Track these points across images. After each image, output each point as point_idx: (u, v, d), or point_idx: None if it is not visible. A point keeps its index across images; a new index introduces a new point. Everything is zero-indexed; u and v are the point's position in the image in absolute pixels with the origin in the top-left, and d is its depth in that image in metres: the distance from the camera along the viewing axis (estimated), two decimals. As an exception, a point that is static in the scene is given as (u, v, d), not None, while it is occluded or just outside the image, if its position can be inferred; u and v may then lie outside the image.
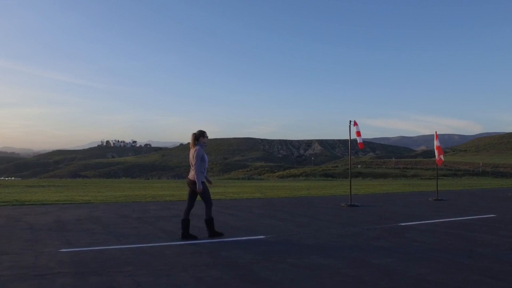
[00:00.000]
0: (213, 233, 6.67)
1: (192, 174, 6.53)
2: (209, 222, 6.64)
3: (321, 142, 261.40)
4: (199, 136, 6.65)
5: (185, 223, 6.55)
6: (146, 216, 9.48)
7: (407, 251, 5.61)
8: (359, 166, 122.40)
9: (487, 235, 6.87)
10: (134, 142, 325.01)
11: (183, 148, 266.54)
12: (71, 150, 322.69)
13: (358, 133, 12.17)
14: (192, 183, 6.51)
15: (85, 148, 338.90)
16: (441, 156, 14.41)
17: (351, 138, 12.31)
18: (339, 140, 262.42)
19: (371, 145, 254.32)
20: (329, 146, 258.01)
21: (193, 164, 6.51)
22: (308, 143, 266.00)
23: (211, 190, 8.10)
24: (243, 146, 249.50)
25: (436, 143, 14.54)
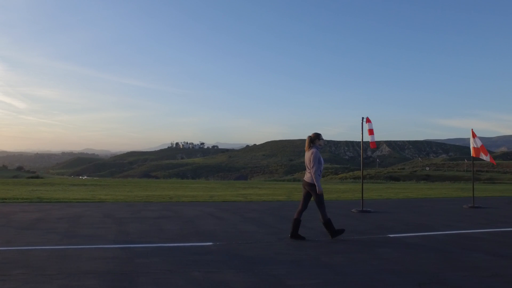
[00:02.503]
0: (334, 233, 6.62)
1: (308, 176, 6.57)
2: (328, 224, 6.60)
3: (389, 143, 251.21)
4: (315, 139, 6.69)
5: (296, 223, 6.64)
6: (130, 217, 9.19)
7: (351, 272, 4.64)
8: (427, 168, 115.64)
9: (481, 255, 5.64)
10: (202, 143, 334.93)
11: (249, 150, 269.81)
12: (144, 151, 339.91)
13: (371, 131, 11.05)
14: (308, 185, 6.53)
15: (157, 149, 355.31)
16: (485, 157, 12.73)
17: (363, 137, 11.19)
18: (409, 141, 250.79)
19: (443, 146, 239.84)
20: (398, 147, 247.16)
21: (309, 167, 6.52)
22: (376, 144, 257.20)
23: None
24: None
25: (474, 142, 12.84)
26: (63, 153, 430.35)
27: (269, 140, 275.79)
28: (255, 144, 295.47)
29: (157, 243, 6.15)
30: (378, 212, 10.77)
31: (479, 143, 12.96)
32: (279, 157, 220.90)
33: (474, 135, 12.96)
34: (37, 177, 33.40)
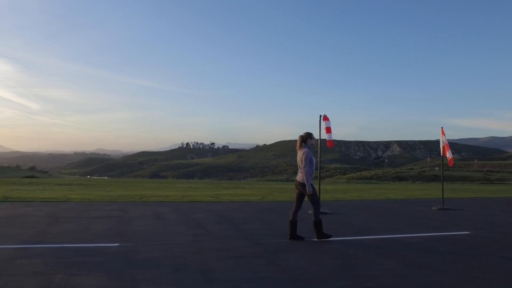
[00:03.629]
0: (321, 236, 6.54)
1: (300, 176, 6.50)
2: (317, 224, 6.53)
3: (400, 143, 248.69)
4: (307, 138, 6.64)
5: (292, 225, 6.59)
6: (71, 217, 9.06)
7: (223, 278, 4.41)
8: (436, 168, 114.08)
9: (391, 262, 5.32)
10: (213, 144, 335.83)
11: (259, 150, 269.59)
12: (155, 152, 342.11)
13: (328, 129, 10.72)
14: (300, 185, 6.47)
15: (167, 149, 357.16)
16: (448, 154, 12.33)
17: (321, 135, 10.89)
18: (420, 141, 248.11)
19: (455, 146, 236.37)
20: (409, 147, 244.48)
21: (301, 166, 6.45)
22: (387, 145, 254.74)
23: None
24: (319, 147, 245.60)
25: (443, 139, 12.46)
26: (76, 153, 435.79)
27: (279, 140, 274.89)
28: (265, 144, 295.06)
29: (62, 244, 5.96)
30: (335, 214, 10.43)
31: (445, 142, 12.56)
32: (289, 157, 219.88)
33: (443, 134, 12.58)
34: (33, 176, 33.59)
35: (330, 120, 10.83)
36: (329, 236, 6.61)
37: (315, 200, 6.48)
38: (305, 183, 6.36)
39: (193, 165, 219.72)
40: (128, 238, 6.54)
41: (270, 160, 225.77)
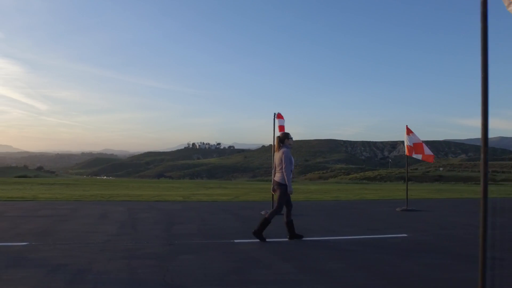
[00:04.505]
0: (258, 234, 6.43)
1: (278, 176, 6.46)
2: (265, 222, 6.46)
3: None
4: (284, 138, 6.66)
5: (289, 225, 6.59)
6: (14, 216, 8.99)
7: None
8: (441, 169, 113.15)
9: (285, 264, 5.20)
10: (218, 144, 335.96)
11: (264, 150, 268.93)
12: (161, 152, 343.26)
13: (281, 128, 10.52)
14: (278, 185, 6.44)
15: (174, 150, 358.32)
16: (417, 156, 12.07)
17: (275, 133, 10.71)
18: (427, 141, 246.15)
19: (462, 147, 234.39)
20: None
21: (280, 167, 6.44)
22: (393, 145, 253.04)
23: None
24: (324, 147, 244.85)
25: (407, 140, 12.20)
26: (83, 154, 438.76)
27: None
28: (271, 145, 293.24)
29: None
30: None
31: (414, 140, 12.26)
32: (295, 158, 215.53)
33: (409, 132, 12.29)
34: (25, 176, 33.78)
35: (284, 118, 10.67)
36: (264, 240, 6.41)
37: (281, 201, 6.42)
38: (285, 183, 6.34)
39: (199, 165, 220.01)
40: (44, 237, 6.44)
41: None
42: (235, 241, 6.51)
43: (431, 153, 12.36)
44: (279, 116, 10.60)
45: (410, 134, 12.29)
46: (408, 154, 12.31)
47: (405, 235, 7.41)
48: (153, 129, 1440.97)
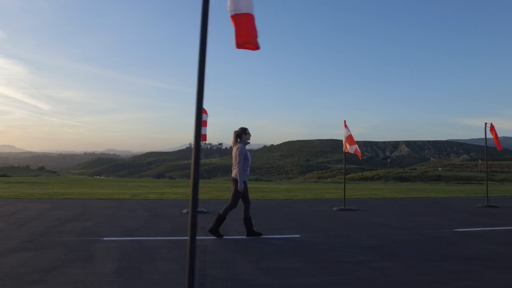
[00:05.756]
0: (214, 231, 6.32)
1: (234, 172, 6.37)
2: (221, 219, 6.34)
3: (409, 143, 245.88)
4: (241, 134, 6.54)
5: (246, 222, 6.48)
6: None
7: None
8: (440, 169, 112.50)
9: (163, 263, 4.87)
10: (220, 144, 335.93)
11: (266, 150, 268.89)
12: (163, 152, 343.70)
13: (204, 123, 10.21)
14: (232, 181, 6.37)
15: (176, 150, 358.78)
16: (349, 147, 11.65)
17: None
18: (429, 141, 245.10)
19: (465, 147, 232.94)
20: (417, 147, 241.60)
21: (235, 162, 6.35)
22: (395, 145, 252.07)
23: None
24: (326, 148, 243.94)
25: (345, 132, 11.74)
26: (85, 154, 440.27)
27: (287, 140, 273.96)
28: (272, 145, 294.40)
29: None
30: (211, 213, 9.95)
31: (347, 133, 11.82)
32: (296, 158, 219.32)
33: (345, 126, 11.83)
34: (5, 175, 33.67)
35: (208, 114, 10.37)
36: (221, 236, 6.32)
37: (236, 198, 6.31)
38: (238, 179, 6.23)
39: (200, 165, 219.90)
40: None
41: (277, 160, 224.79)
42: (104, 239, 6.20)
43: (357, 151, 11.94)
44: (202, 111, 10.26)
45: (345, 128, 11.87)
46: (345, 151, 11.94)
47: (298, 235, 6.94)
48: (156, 129, 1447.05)
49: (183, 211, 10.02)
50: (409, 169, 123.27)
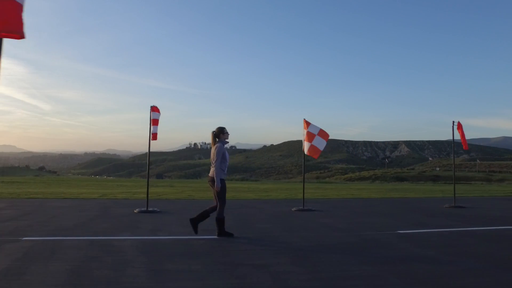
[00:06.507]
0: (222, 233, 6.49)
1: (212, 171, 6.43)
2: (220, 221, 6.45)
3: (409, 143, 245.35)
4: (219, 133, 6.59)
5: (220, 222, 6.48)
6: None
7: None
8: (437, 169, 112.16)
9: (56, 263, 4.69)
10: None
11: (266, 150, 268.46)
12: (163, 152, 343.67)
13: (155, 121, 10.01)
14: (212, 181, 6.39)
15: (176, 150, 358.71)
16: (305, 145, 11.48)
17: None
18: (429, 141, 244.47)
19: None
20: (417, 147, 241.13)
21: (213, 162, 6.41)
22: (395, 145, 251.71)
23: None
24: (326, 147, 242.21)
25: (308, 129, 11.52)
26: (86, 154, 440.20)
27: (287, 140, 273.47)
28: (272, 145, 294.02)
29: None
30: (166, 213, 9.77)
31: (312, 130, 11.59)
32: (296, 158, 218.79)
33: (307, 124, 11.60)
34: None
35: (160, 112, 10.21)
36: (231, 235, 6.51)
37: (221, 197, 6.37)
38: (215, 177, 6.28)
39: (200, 165, 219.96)
40: None
41: (277, 160, 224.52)
42: (23, 238, 6.03)
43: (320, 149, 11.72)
44: (154, 109, 10.13)
45: (309, 125, 11.66)
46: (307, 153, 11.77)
47: (214, 236, 6.67)
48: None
49: (135, 211, 9.87)
50: (407, 169, 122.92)
